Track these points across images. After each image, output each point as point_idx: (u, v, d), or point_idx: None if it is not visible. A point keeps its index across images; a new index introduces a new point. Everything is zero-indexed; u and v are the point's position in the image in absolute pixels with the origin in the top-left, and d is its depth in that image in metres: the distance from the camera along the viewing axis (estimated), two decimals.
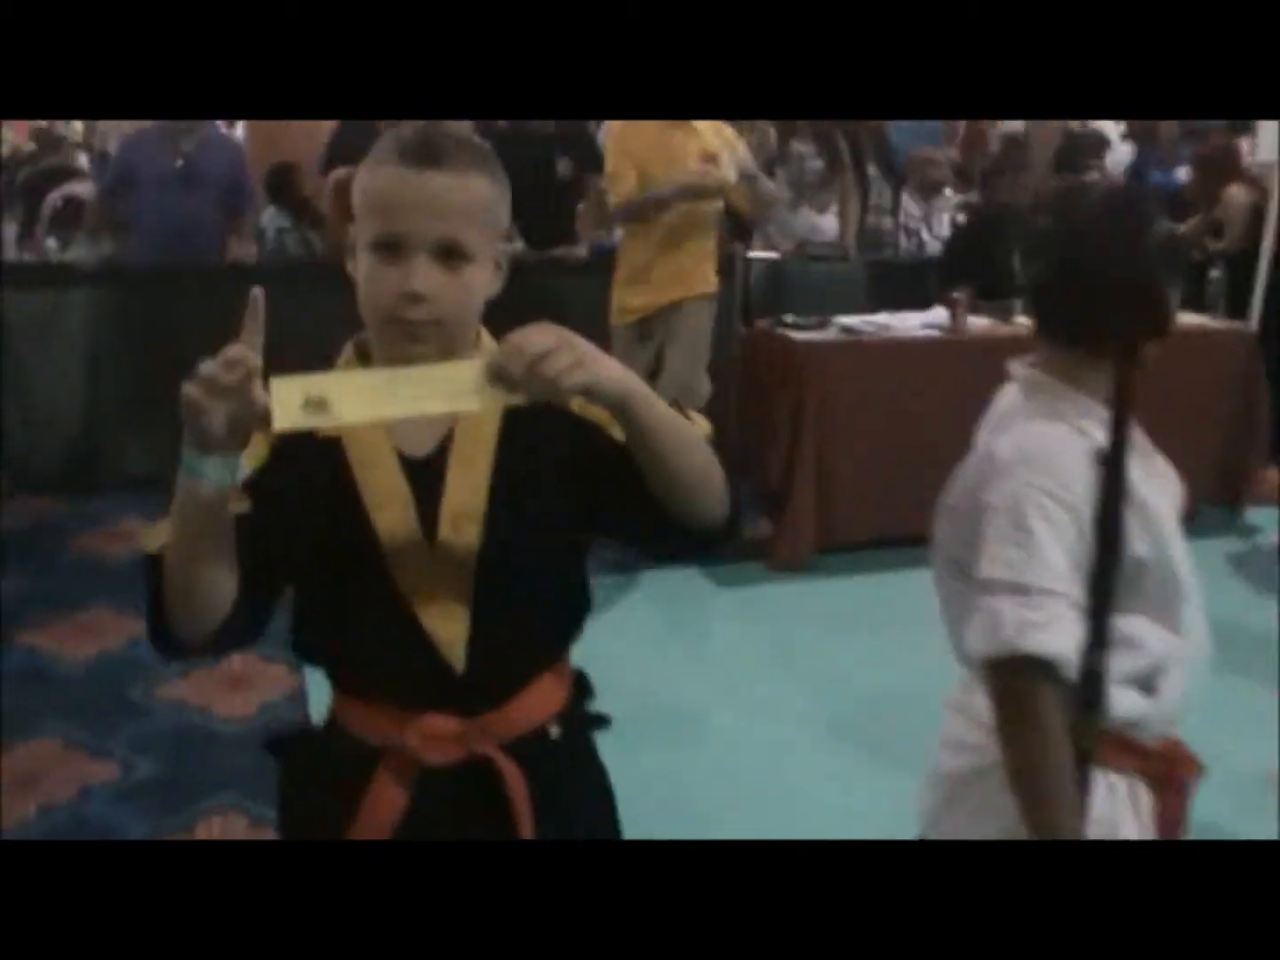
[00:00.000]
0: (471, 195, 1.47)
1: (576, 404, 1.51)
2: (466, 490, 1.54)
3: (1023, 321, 5.92)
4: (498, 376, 1.35)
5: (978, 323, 5.79)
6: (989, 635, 1.65)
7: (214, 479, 1.37)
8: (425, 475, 1.54)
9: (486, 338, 1.60)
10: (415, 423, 1.49)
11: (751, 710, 4.16)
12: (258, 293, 1.35)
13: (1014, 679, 1.64)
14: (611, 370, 1.39)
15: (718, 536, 1.56)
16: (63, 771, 3.66)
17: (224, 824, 3.41)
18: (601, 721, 1.73)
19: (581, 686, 1.71)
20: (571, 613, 1.66)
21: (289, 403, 1.32)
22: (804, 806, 3.55)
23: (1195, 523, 6.22)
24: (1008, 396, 1.87)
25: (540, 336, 1.35)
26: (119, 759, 3.73)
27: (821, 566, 5.30)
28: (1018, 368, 1.87)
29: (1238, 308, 6.28)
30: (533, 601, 1.59)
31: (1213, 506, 6.05)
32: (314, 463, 1.52)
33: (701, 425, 1.56)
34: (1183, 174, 8.80)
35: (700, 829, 3.30)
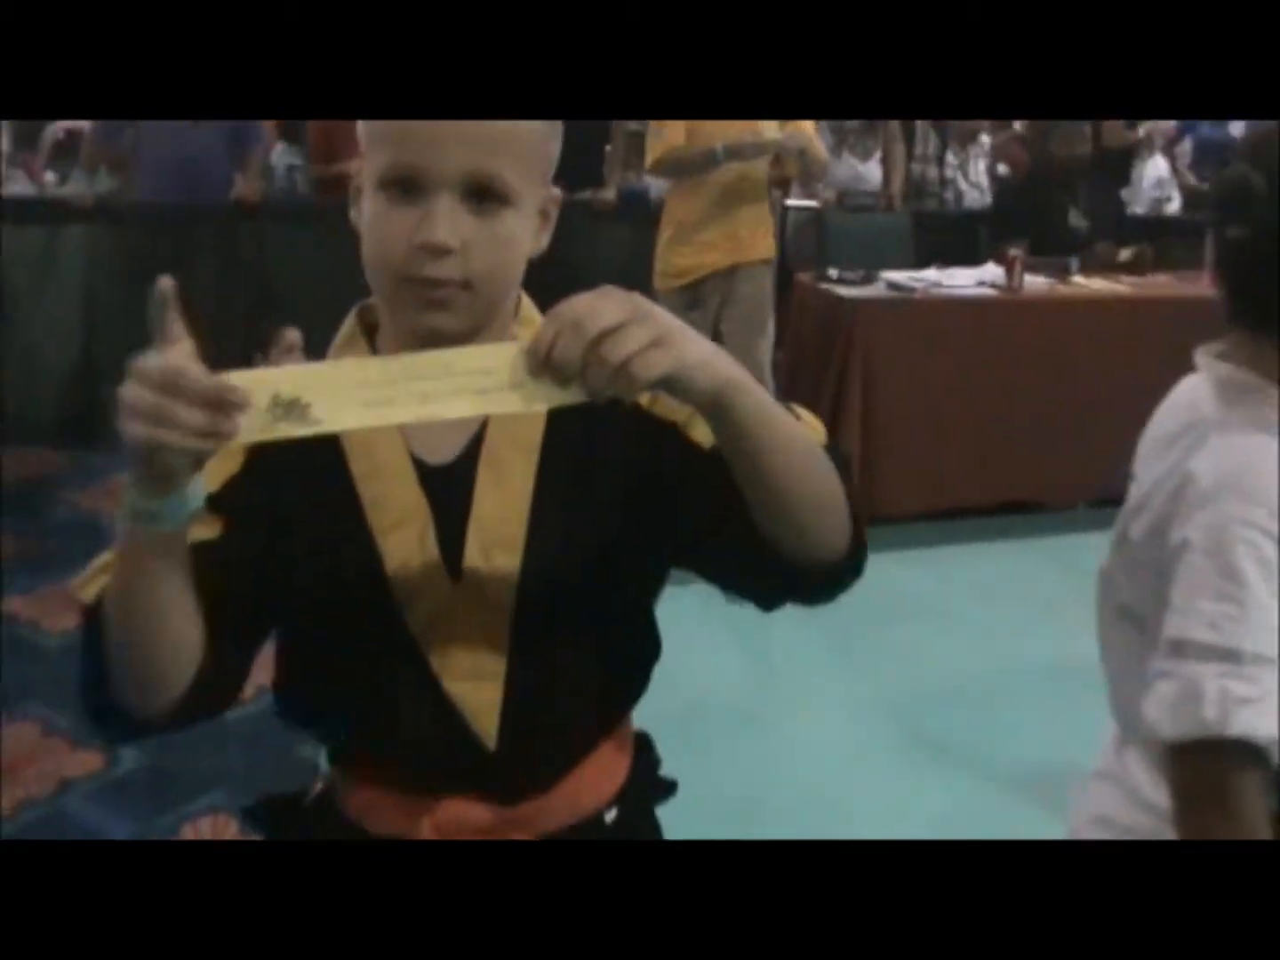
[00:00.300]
0: (513, 121, 1.11)
1: (646, 395, 1.16)
2: (501, 508, 1.18)
3: (1080, 281, 5.55)
4: (546, 364, 0.98)
5: (1034, 281, 5.42)
6: (1183, 712, 1.28)
7: (172, 521, 1.02)
8: (447, 488, 1.19)
9: (529, 308, 1.24)
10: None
11: (798, 702, 3.84)
12: (165, 285, 0.98)
13: (1211, 764, 1.27)
14: (702, 353, 1.01)
15: (836, 576, 1.18)
16: (41, 762, 3.33)
17: (213, 826, 3.08)
18: (668, 790, 1.38)
19: (644, 751, 1.36)
20: (637, 666, 1.30)
21: (253, 406, 0.97)
22: (854, 806, 3.24)
23: None
24: (1193, 396, 1.48)
25: (604, 306, 0.97)
26: (103, 749, 3.38)
27: (868, 540, 4.92)
28: (1207, 359, 1.48)
29: None
30: (588, 654, 1.23)
31: None
32: (302, 470, 1.17)
33: (813, 427, 1.19)
34: (1237, 127, 8.34)
35: (746, 828, 2.97)
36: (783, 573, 1.15)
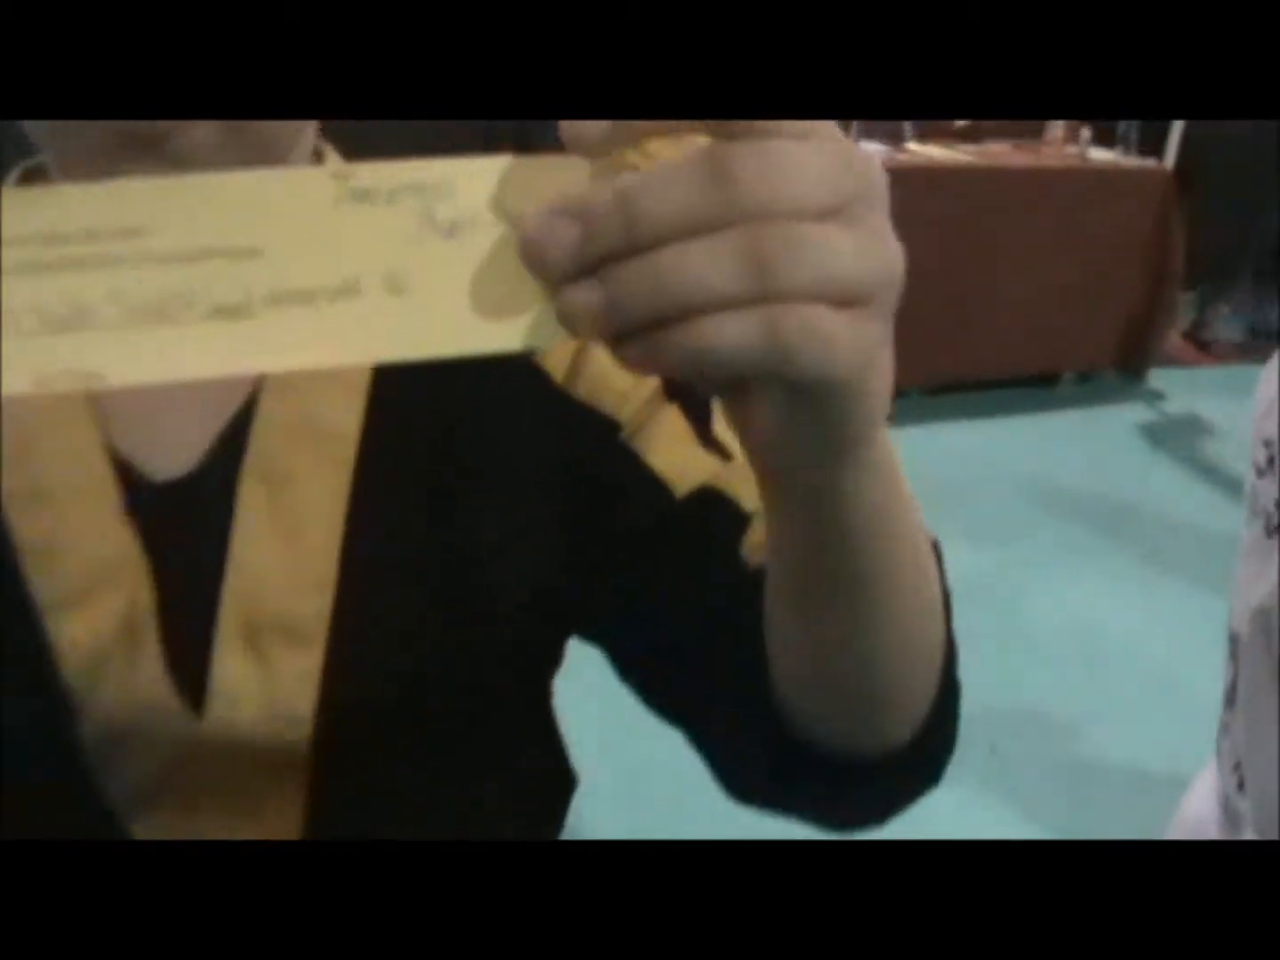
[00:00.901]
0: None
1: (567, 363, 0.68)
2: (287, 560, 0.64)
3: (916, 149, 5.12)
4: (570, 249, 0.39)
5: (868, 148, 4.94)
6: None
7: None
8: (182, 523, 0.64)
9: (337, 164, 0.69)
10: (157, 391, 0.58)
11: None
12: None
13: None
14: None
15: (898, 779, 0.63)
16: None
17: None
18: None
19: None
20: (538, 820, 0.77)
21: None
22: None
23: (1094, 387, 5.68)
24: None
25: (798, 155, 0.38)
26: None
27: None
28: None
29: (1152, 142, 5.51)
30: (456, 822, 0.70)
31: (1114, 370, 5.45)
32: None
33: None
34: None
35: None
36: (797, 756, 0.61)
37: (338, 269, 0.40)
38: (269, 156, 0.62)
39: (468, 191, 0.41)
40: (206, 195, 0.40)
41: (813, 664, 0.56)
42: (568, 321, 0.39)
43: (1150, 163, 5.44)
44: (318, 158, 0.70)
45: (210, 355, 0.39)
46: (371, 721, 0.65)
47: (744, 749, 0.63)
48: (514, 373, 0.66)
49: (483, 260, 0.40)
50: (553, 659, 0.73)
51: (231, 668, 0.63)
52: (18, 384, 0.39)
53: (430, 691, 0.65)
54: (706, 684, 0.64)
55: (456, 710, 0.67)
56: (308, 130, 0.68)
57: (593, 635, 0.71)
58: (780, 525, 0.50)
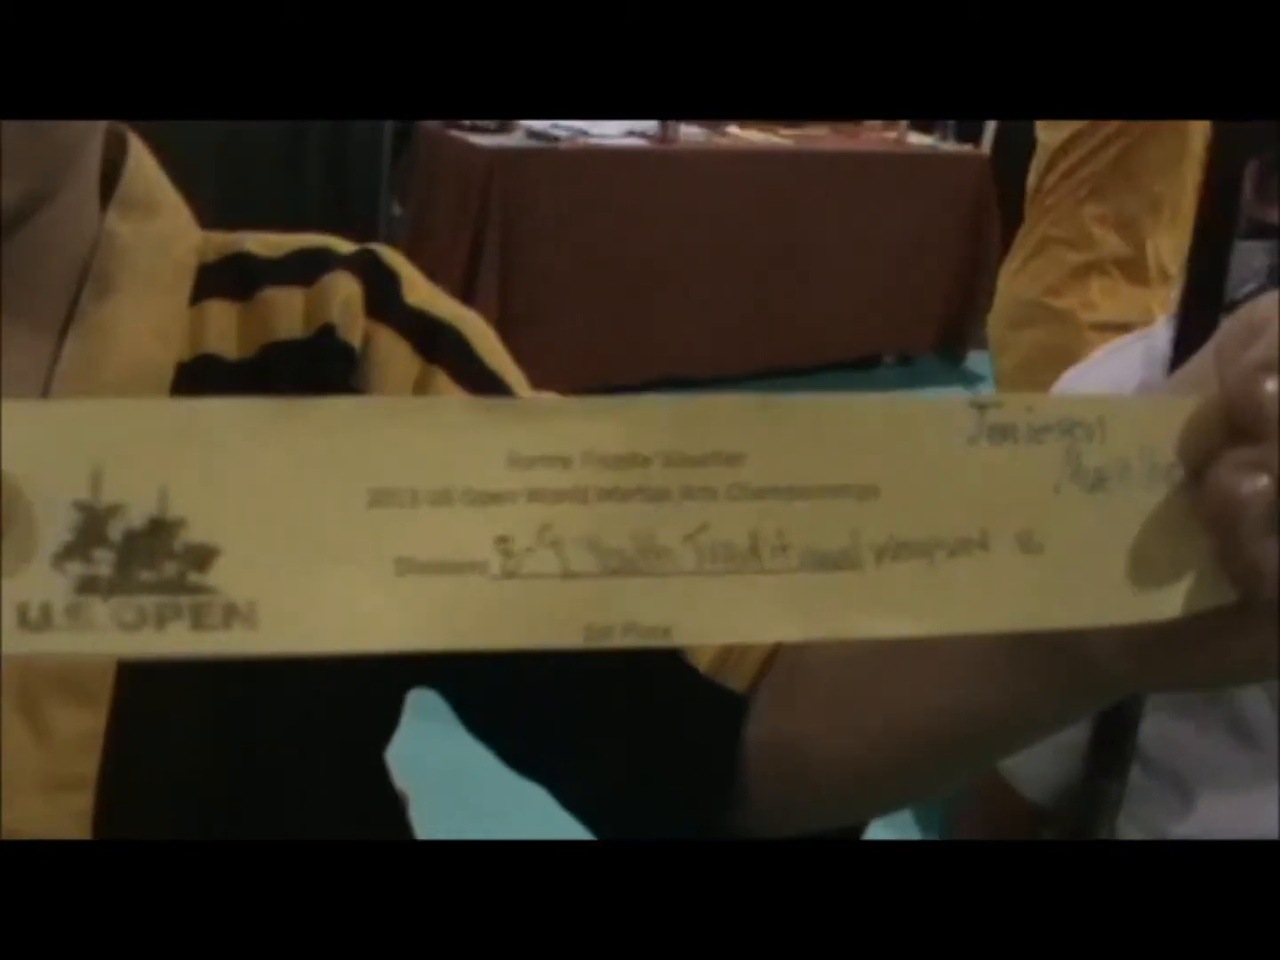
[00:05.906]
0: None
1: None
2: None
3: (737, 133, 5.12)
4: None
5: (689, 132, 4.92)
6: None
7: None
8: None
9: (145, 168, 0.64)
10: None
11: None
12: None
13: None
14: None
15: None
16: None
17: None
18: None
19: None
20: None
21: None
22: None
23: (914, 369, 5.74)
24: None
25: None
26: None
27: None
28: None
29: (969, 128, 5.57)
30: None
31: (934, 353, 5.50)
32: None
33: None
34: None
35: None
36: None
37: (964, 518, 0.36)
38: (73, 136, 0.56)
39: (1121, 435, 0.37)
40: (821, 420, 0.35)
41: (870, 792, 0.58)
42: (1251, 582, 0.36)
43: (967, 148, 5.52)
44: (123, 147, 0.62)
45: (802, 611, 0.35)
46: (164, 789, 0.58)
47: (663, 825, 0.61)
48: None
49: (1133, 517, 0.37)
50: (385, 720, 0.66)
51: (4, 732, 0.56)
52: (564, 636, 0.34)
53: (233, 754, 0.58)
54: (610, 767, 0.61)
55: (263, 775, 0.60)
56: (97, 149, 0.61)
57: (439, 686, 0.63)
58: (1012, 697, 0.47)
